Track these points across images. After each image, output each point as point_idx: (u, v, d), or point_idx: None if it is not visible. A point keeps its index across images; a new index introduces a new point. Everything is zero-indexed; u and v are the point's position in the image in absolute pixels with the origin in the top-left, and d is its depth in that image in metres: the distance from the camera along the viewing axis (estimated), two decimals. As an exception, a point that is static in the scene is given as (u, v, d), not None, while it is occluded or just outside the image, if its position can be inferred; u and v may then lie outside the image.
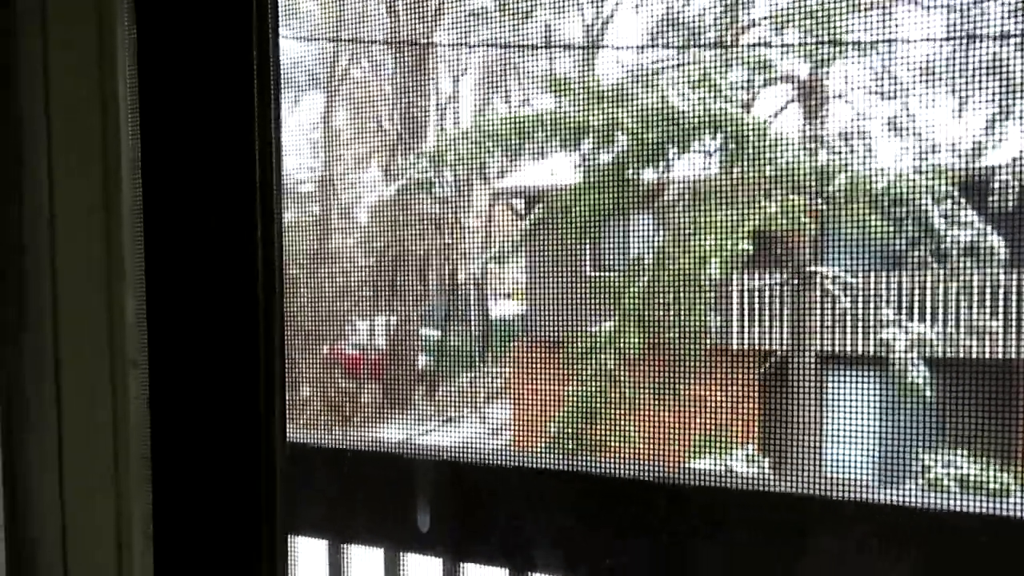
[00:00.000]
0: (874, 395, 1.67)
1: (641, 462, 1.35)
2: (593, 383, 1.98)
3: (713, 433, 1.68)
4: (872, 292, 1.76)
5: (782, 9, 1.72)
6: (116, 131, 0.80)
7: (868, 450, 1.28)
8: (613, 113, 1.72)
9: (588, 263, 1.79)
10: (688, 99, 1.69)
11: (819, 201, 1.74)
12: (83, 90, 0.79)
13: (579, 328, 1.86)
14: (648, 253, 1.88)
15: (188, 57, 0.76)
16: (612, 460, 1.57)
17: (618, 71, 1.73)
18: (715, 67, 1.77)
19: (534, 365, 1.83)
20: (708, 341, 1.76)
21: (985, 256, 1.59)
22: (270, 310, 0.73)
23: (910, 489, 1.15)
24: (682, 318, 1.68)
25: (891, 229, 1.66)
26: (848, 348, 1.72)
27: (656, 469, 1.33)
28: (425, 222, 2.64)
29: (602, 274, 1.90)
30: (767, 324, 1.85)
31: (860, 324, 1.75)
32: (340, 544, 1.54)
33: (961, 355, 1.54)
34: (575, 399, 1.98)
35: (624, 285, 1.84)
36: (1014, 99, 1.11)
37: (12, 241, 0.82)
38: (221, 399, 0.76)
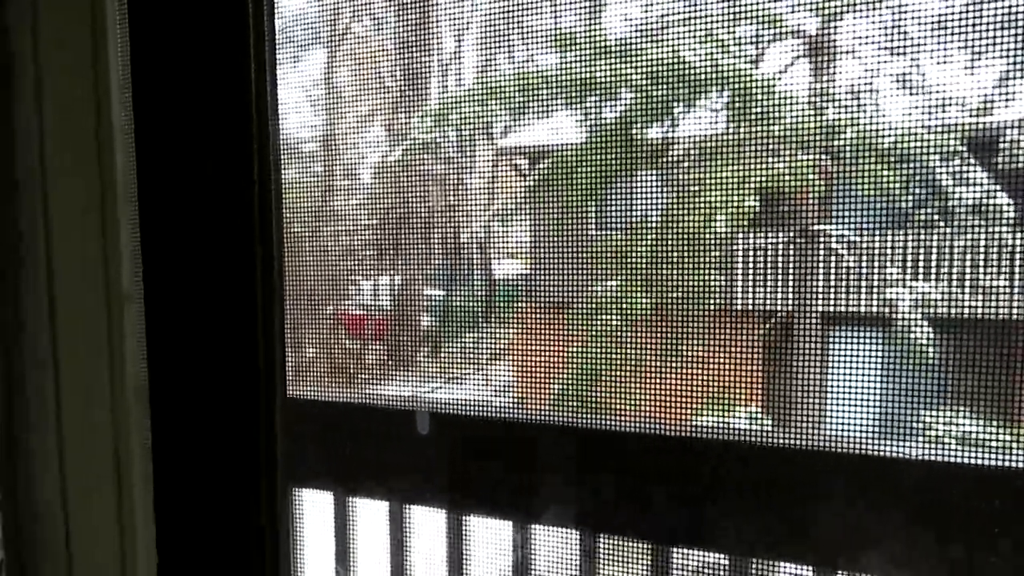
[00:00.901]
0: (878, 354, 1.67)
1: (643, 420, 1.36)
2: (597, 343, 1.98)
3: (718, 392, 1.68)
4: (877, 251, 1.75)
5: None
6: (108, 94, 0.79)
7: (870, 409, 1.28)
8: (618, 69, 1.70)
9: (592, 223, 1.78)
10: (696, 54, 1.66)
11: (826, 158, 1.73)
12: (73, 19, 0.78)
13: (583, 288, 1.86)
14: (653, 212, 1.86)
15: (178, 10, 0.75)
16: (616, 418, 1.58)
17: (624, 26, 1.70)
18: (723, 21, 1.74)
19: (538, 325, 1.83)
20: (713, 300, 1.76)
21: (992, 215, 1.58)
22: (267, 259, 0.72)
23: (910, 446, 1.16)
24: (687, 277, 1.68)
25: (898, 187, 1.64)
26: (852, 308, 1.71)
27: (659, 427, 1.34)
28: (428, 181, 2.63)
29: (606, 233, 1.89)
30: (772, 283, 1.85)
31: (865, 283, 1.75)
32: (346, 497, 1.56)
33: (965, 314, 1.54)
34: (579, 359, 1.99)
35: (628, 245, 1.83)
36: (1027, 52, 1.09)
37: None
38: (219, 350, 0.76)
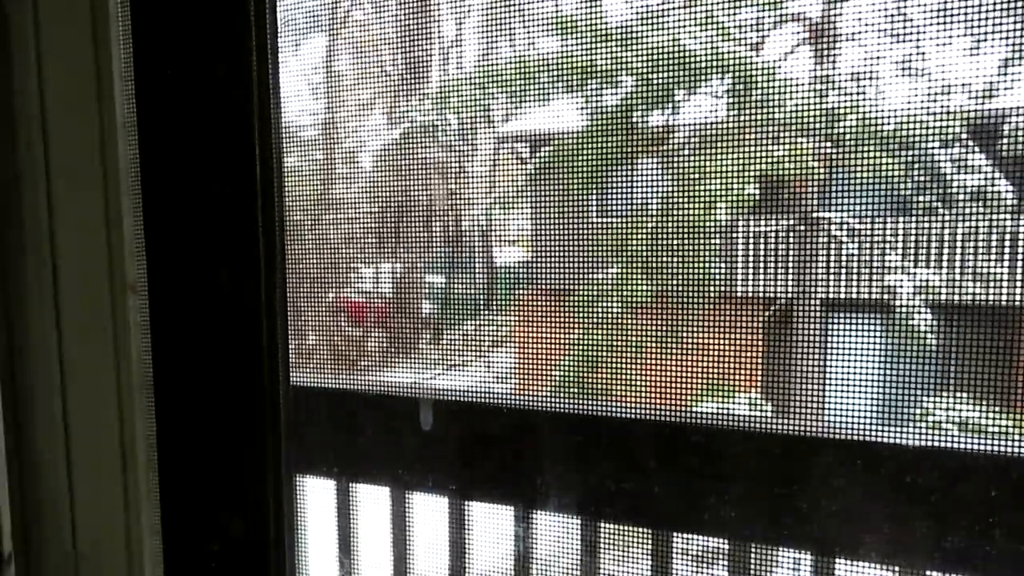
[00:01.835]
0: (877, 340, 1.67)
1: (644, 407, 1.36)
2: (598, 330, 1.98)
3: (718, 379, 1.69)
4: (878, 238, 1.75)
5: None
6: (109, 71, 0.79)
7: (870, 395, 1.28)
8: (619, 54, 1.69)
9: (593, 209, 1.78)
10: (696, 40, 1.65)
11: (827, 144, 1.72)
12: None
13: (584, 275, 1.86)
14: (654, 199, 1.86)
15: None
16: (616, 405, 1.59)
17: (624, 11, 1.70)
18: (723, 7, 1.74)
19: (538, 312, 1.84)
20: (714, 287, 1.76)
21: (993, 202, 1.58)
22: (270, 248, 0.72)
23: (909, 432, 1.16)
24: (687, 264, 1.68)
25: (899, 174, 1.64)
26: (853, 294, 1.71)
27: (659, 413, 1.34)
28: (428, 167, 2.62)
29: (607, 220, 1.89)
30: (772, 270, 1.85)
31: (865, 270, 1.75)
32: (348, 484, 1.57)
33: (966, 301, 1.54)
34: (580, 345, 1.99)
35: (629, 231, 1.83)
36: (1029, 38, 1.08)
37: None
38: (224, 339, 0.76)
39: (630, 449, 1.30)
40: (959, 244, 1.56)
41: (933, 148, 1.60)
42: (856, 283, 1.73)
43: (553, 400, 1.81)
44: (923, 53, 1.51)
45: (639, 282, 1.84)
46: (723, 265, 1.82)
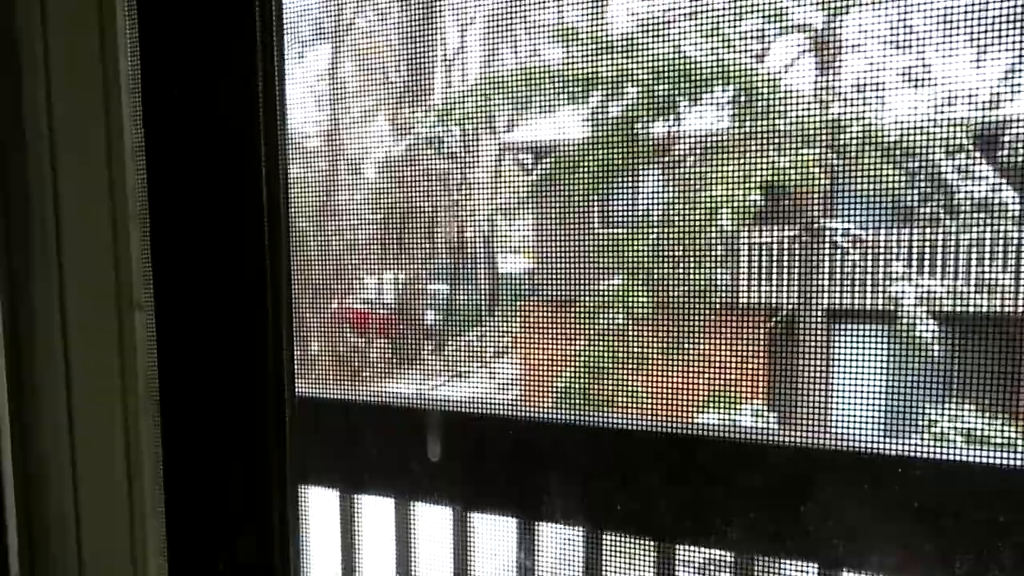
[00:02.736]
0: (882, 350, 1.67)
1: (648, 417, 1.36)
2: (602, 339, 1.98)
3: (721, 389, 1.68)
4: (883, 247, 1.75)
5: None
6: (115, 62, 0.80)
7: (875, 405, 1.28)
8: (622, 65, 1.69)
9: (597, 218, 1.78)
10: (700, 50, 1.66)
11: (831, 153, 1.72)
12: None
13: (588, 284, 1.86)
14: (657, 208, 1.86)
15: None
16: (620, 415, 1.58)
17: (628, 21, 1.70)
18: (727, 17, 1.74)
19: (542, 321, 1.84)
20: (718, 296, 1.76)
21: (998, 210, 1.57)
22: (276, 266, 0.73)
23: (915, 443, 1.16)
24: (691, 273, 1.68)
25: (903, 183, 1.64)
26: (858, 303, 1.71)
27: (663, 424, 1.34)
28: (432, 177, 2.63)
29: (611, 229, 1.89)
30: (776, 280, 1.84)
31: (870, 279, 1.74)
32: (351, 494, 1.57)
33: (972, 310, 1.53)
34: (584, 355, 1.99)
35: (633, 241, 1.83)
36: (1033, 49, 1.08)
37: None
38: (229, 357, 0.76)
39: (634, 460, 1.30)
40: (964, 253, 1.56)
41: (937, 157, 1.59)
42: (861, 293, 1.73)
43: (557, 410, 1.81)
44: (927, 63, 1.51)
45: (643, 292, 1.84)
46: (727, 275, 1.82)
